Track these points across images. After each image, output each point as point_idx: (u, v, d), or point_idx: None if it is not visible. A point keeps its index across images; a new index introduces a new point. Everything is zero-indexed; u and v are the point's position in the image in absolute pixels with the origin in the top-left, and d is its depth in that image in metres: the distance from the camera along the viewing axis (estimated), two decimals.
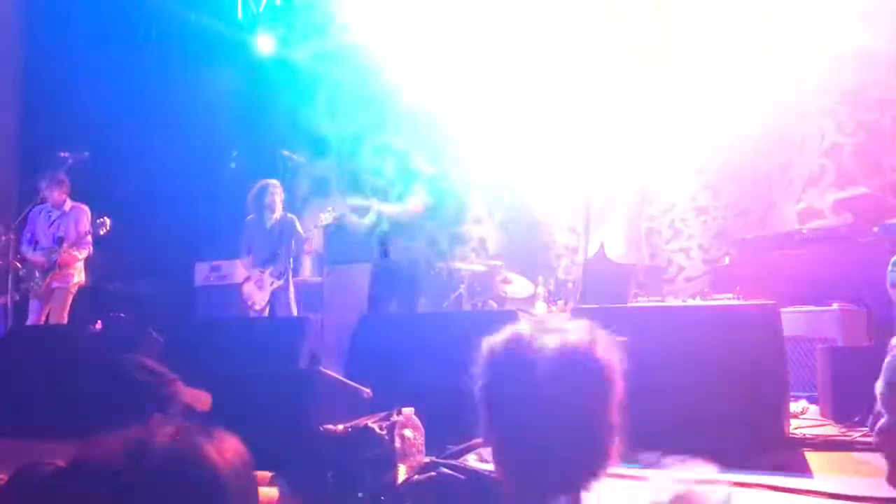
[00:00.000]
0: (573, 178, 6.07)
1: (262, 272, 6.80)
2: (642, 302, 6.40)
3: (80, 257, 7.05)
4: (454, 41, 8.96)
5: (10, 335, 6.04)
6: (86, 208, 7.13)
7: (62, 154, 6.95)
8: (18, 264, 7.00)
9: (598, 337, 1.28)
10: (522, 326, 1.32)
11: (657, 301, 6.71)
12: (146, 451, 1.23)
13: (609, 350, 1.27)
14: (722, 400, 3.42)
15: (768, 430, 3.40)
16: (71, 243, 6.93)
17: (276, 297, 6.80)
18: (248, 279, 6.96)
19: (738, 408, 3.39)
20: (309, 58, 10.38)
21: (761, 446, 3.31)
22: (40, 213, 7.13)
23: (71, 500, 1.30)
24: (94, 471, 1.25)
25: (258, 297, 6.80)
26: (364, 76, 10.20)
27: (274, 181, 7.09)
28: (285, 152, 6.67)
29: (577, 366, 1.22)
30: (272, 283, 6.78)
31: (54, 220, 7.05)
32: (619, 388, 1.25)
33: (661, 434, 2.77)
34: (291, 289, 6.97)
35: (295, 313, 6.92)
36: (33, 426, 4.24)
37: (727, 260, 7.03)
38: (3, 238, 7.00)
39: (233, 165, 10.31)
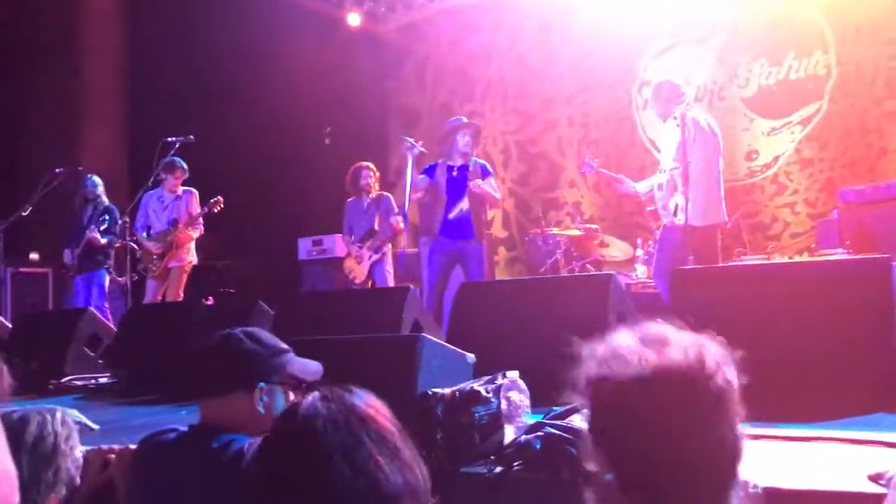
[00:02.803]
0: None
1: (361, 247, 7.04)
2: (746, 261, 6.26)
3: (194, 237, 7.43)
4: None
5: (130, 313, 6.44)
6: (195, 191, 7.48)
7: (169, 139, 7.24)
8: (135, 246, 7.42)
9: (706, 350, 1.15)
10: (623, 339, 1.18)
11: (762, 259, 6.54)
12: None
13: (720, 363, 1.15)
14: (832, 361, 3.33)
15: (881, 390, 3.31)
16: (185, 224, 7.29)
17: (375, 271, 7.03)
18: (348, 255, 7.24)
19: (848, 368, 3.30)
20: (395, 30, 10.48)
21: (874, 405, 3.22)
22: (152, 197, 7.50)
23: None
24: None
25: (358, 272, 7.05)
26: (452, 46, 10.24)
27: (366, 164, 7.28)
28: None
29: (685, 389, 1.12)
30: (370, 256, 7.01)
31: (167, 205, 7.42)
32: (734, 403, 1.15)
33: (771, 395, 2.75)
34: (390, 261, 7.18)
35: (392, 284, 7.11)
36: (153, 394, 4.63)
37: (835, 214, 6.76)
38: (121, 222, 7.43)
39: (327, 141, 10.56)
